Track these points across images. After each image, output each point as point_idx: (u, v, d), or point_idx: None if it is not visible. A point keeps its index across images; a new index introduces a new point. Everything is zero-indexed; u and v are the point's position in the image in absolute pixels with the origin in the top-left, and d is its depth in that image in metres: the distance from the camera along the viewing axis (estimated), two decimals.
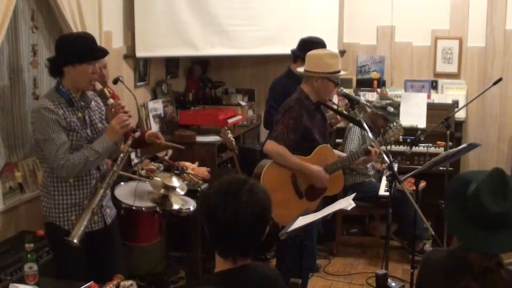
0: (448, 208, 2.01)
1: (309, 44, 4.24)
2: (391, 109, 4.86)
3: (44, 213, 2.98)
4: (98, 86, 2.92)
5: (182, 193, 3.60)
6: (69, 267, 2.89)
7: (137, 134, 3.02)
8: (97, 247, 3.00)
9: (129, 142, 3.04)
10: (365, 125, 3.46)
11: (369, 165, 4.97)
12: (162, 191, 3.45)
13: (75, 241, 2.77)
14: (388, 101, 4.93)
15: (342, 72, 3.63)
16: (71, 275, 2.76)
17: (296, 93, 3.65)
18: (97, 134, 2.97)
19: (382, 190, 4.76)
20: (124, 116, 2.88)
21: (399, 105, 5.29)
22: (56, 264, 3.08)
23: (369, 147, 3.75)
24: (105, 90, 2.95)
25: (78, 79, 2.86)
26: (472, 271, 1.90)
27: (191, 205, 3.75)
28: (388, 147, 4.28)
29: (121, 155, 3.03)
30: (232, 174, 1.88)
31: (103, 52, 2.98)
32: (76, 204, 2.92)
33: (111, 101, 2.92)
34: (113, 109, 2.94)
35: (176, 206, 3.52)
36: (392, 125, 4.00)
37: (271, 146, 3.54)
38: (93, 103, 3.04)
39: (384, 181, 4.88)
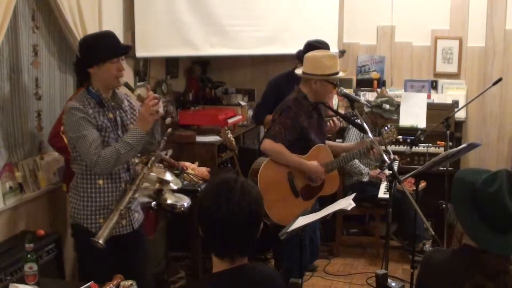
0: (461, 214, 1.98)
1: (312, 47, 4.17)
2: (387, 106, 4.88)
3: (72, 214, 2.94)
4: (122, 80, 2.87)
5: (176, 187, 3.60)
6: (94, 269, 2.84)
7: (168, 120, 2.93)
8: (124, 252, 2.96)
9: (161, 146, 3.02)
10: (365, 125, 3.46)
11: (364, 171, 4.97)
12: (157, 185, 3.44)
13: (100, 241, 2.73)
14: (383, 99, 4.97)
15: (340, 74, 3.62)
16: (94, 277, 2.70)
17: (294, 93, 3.65)
18: None
19: (382, 192, 4.77)
20: (152, 102, 2.79)
21: (398, 105, 5.29)
22: (80, 266, 3.06)
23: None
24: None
25: (105, 79, 2.83)
26: (485, 270, 1.89)
27: (185, 201, 3.75)
28: (388, 147, 4.29)
29: (152, 158, 3.00)
30: (222, 175, 1.88)
31: (125, 48, 2.91)
32: (105, 207, 2.89)
33: (137, 91, 2.86)
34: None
35: (169, 201, 3.52)
36: (386, 127, 4.02)
37: (269, 144, 3.55)
38: (125, 102, 3.00)
39: (383, 183, 4.88)
